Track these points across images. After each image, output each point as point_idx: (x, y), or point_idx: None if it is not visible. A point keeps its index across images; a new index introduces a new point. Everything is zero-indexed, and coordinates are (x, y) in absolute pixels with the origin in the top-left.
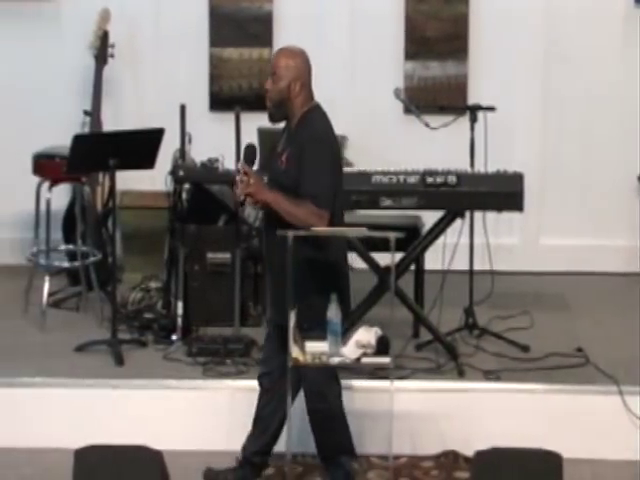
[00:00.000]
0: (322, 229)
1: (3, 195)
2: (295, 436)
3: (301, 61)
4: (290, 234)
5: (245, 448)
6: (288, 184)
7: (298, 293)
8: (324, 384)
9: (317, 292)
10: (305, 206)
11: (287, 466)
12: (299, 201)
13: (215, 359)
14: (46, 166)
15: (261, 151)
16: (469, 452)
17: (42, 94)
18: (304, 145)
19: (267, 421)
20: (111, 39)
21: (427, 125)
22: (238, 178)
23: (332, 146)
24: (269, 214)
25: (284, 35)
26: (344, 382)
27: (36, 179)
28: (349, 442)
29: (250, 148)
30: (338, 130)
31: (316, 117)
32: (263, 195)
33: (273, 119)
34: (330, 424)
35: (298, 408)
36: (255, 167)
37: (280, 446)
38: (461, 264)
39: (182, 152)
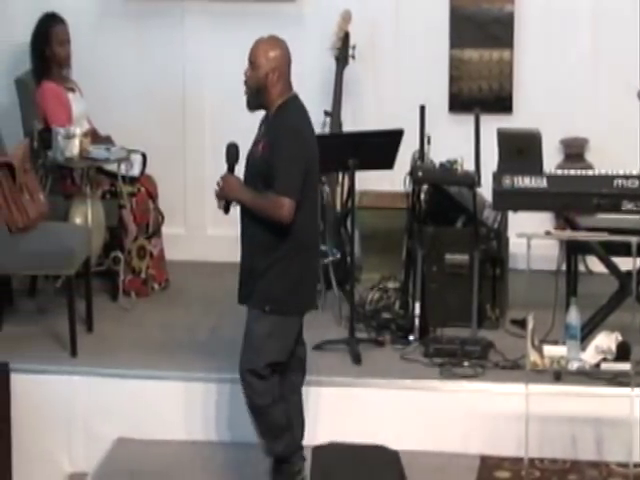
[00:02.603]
0: (559, 232)
1: None
2: (533, 441)
3: (280, 52)
4: (528, 235)
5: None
6: (263, 170)
7: (258, 276)
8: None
9: (275, 277)
10: (267, 198)
11: (524, 470)
12: (263, 195)
13: (452, 360)
14: None
15: (501, 154)
16: None
17: None
18: (277, 135)
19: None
20: (352, 40)
21: None
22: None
23: (303, 138)
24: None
25: (525, 36)
26: (583, 388)
27: None
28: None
29: (231, 148)
30: (579, 132)
31: (291, 108)
32: (239, 195)
33: (249, 107)
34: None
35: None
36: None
37: (518, 451)
38: None
39: (421, 153)
